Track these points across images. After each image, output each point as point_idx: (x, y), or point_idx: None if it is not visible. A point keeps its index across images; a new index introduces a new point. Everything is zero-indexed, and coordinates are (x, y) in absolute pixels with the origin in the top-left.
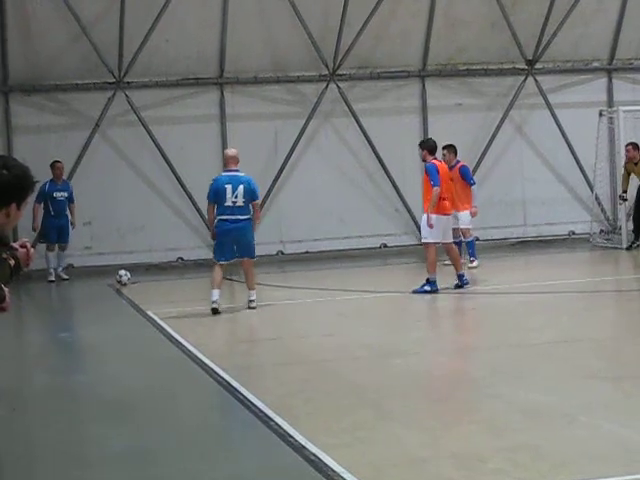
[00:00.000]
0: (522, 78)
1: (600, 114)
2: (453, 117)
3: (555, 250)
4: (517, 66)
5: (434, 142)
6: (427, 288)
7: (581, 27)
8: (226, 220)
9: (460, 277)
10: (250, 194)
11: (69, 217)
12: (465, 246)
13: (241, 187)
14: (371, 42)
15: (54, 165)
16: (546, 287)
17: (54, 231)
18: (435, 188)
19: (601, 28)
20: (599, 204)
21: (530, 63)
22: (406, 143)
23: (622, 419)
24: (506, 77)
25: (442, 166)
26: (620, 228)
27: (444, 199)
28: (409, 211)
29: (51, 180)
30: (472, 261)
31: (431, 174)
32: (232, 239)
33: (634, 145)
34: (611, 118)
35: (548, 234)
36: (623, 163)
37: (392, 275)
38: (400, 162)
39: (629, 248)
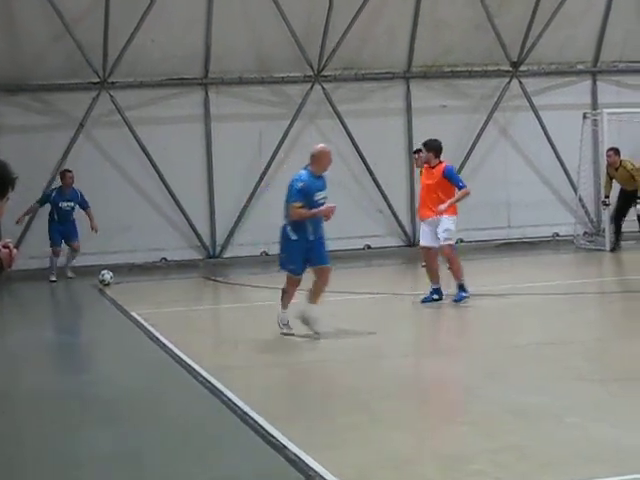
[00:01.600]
0: (506, 80)
1: (584, 117)
2: (438, 119)
3: (539, 252)
4: (502, 68)
5: (440, 143)
6: (464, 294)
7: (566, 29)
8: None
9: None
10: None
11: (75, 221)
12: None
13: None
14: (356, 43)
15: (64, 174)
16: (531, 289)
17: (58, 234)
18: (464, 189)
19: (585, 31)
20: (583, 206)
21: (515, 65)
22: (391, 145)
23: (610, 420)
24: (490, 79)
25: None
26: (604, 230)
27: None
28: (393, 213)
29: (59, 188)
30: None
31: (454, 176)
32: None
33: (615, 150)
34: (595, 121)
35: (532, 236)
36: (604, 168)
37: (378, 276)
38: (385, 163)
39: (612, 250)
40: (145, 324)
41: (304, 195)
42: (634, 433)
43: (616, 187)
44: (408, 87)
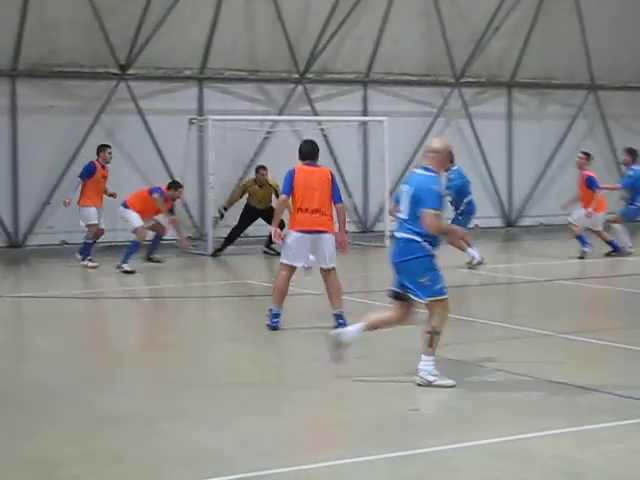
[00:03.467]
0: (114, 83)
1: (190, 122)
2: (45, 119)
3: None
4: (110, 71)
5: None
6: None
7: (174, 35)
8: None
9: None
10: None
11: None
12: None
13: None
14: None
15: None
16: (123, 293)
17: None
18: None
19: (193, 37)
20: (187, 211)
21: (123, 68)
22: None
23: (202, 424)
24: (99, 81)
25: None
26: (207, 235)
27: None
28: None
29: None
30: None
31: None
32: None
33: (263, 167)
34: (201, 127)
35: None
36: (244, 182)
37: None
38: None
39: (214, 255)
40: None
41: (441, 201)
42: (225, 436)
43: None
44: (14, 85)
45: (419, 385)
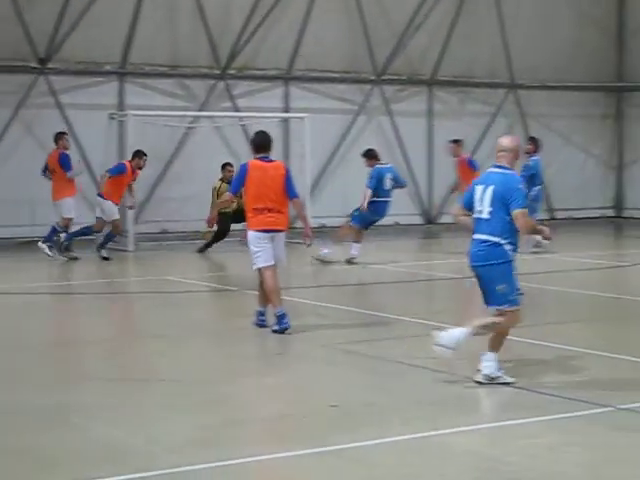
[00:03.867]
0: (34, 77)
1: (110, 117)
2: None
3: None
4: (29, 64)
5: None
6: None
7: (95, 29)
8: None
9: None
10: None
11: None
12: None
13: None
14: None
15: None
16: (44, 288)
17: None
18: None
19: (114, 32)
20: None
21: (42, 62)
22: None
23: (115, 421)
24: (17, 75)
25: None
26: (127, 231)
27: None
28: None
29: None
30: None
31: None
32: None
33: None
34: (122, 122)
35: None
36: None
37: None
38: None
39: (201, 251)
40: None
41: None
42: (140, 432)
43: None
44: None
45: (480, 382)
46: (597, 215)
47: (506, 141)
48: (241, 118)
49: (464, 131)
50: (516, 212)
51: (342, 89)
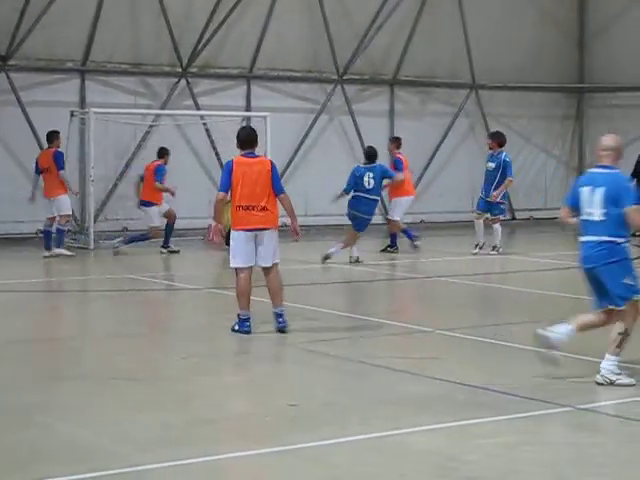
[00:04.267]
0: None
1: (72, 115)
2: None
3: (21, 249)
4: None
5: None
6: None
7: (57, 27)
8: None
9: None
10: None
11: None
12: None
13: None
14: None
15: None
16: (7, 286)
17: None
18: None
19: (76, 29)
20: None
21: (3, 59)
22: None
23: (79, 419)
24: None
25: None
26: (88, 229)
27: (245, 208)
28: None
29: None
30: None
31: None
32: None
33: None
34: (83, 119)
35: (16, 232)
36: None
37: None
38: None
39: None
40: None
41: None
42: (101, 431)
43: None
44: None
45: (600, 384)
46: (557, 216)
47: (609, 140)
48: (203, 116)
49: (425, 131)
50: (627, 210)
51: (304, 88)
